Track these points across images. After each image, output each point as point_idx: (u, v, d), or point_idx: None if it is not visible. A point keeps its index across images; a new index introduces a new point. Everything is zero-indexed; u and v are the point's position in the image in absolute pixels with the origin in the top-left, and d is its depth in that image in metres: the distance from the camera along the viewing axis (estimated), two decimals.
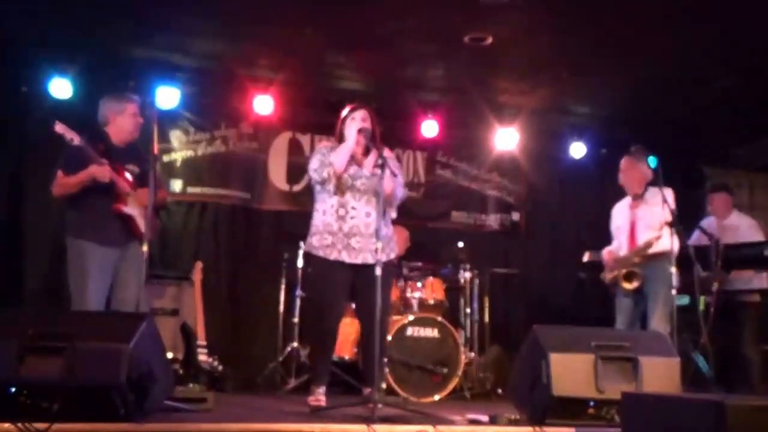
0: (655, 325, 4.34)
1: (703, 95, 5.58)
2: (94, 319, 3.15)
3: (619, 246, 4.74)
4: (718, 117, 5.97)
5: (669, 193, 4.43)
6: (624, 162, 4.72)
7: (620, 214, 4.78)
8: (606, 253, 4.78)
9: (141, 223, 3.88)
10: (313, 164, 3.83)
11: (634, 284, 4.47)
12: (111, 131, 4.06)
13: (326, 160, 3.77)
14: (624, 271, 4.51)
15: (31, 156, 5.49)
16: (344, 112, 3.90)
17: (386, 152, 3.79)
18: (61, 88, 5.33)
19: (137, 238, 3.86)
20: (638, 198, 4.65)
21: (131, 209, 3.91)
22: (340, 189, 3.75)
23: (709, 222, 5.21)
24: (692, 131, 6.24)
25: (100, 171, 3.78)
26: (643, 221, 4.56)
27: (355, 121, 3.82)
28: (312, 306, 3.88)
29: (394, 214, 4.01)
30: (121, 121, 4.04)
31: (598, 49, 4.97)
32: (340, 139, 3.87)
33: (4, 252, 5.29)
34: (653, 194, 4.57)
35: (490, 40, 4.86)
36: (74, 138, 3.71)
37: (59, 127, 3.70)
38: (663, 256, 4.43)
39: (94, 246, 3.84)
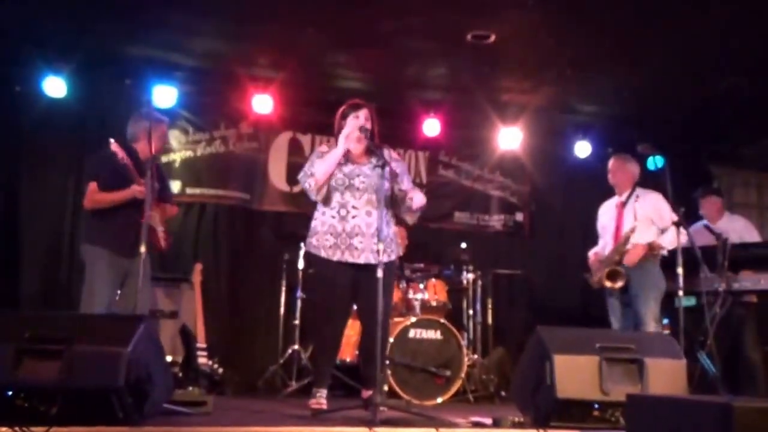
0: (645, 327, 4.36)
1: (710, 93, 5.58)
2: (92, 321, 3.17)
3: (604, 246, 4.81)
4: (725, 115, 5.97)
5: (659, 197, 4.47)
6: (613, 162, 4.80)
7: (607, 213, 4.83)
8: (591, 255, 4.83)
9: (160, 236, 4.18)
10: (301, 173, 3.86)
11: (618, 283, 4.49)
12: (139, 148, 4.20)
13: (310, 170, 3.78)
14: (607, 270, 4.53)
15: (25, 156, 5.51)
16: (346, 110, 3.88)
17: (393, 155, 3.82)
18: (55, 87, 5.34)
19: (155, 249, 4.13)
20: (626, 198, 4.69)
21: (153, 222, 4.09)
22: (327, 197, 3.76)
23: (696, 229, 5.18)
24: (699, 130, 6.25)
25: (141, 190, 3.94)
26: (629, 221, 4.59)
27: (358, 120, 3.82)
28: (315, 307, 3.88)
29: (411, 221, 4.01)
30: (151, 140, 4.12)
31: (602, 47, 4.97)
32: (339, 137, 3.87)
33: (0, 254, 5.31)
34: (643, 194, 4.63)
35: (492, 37, 4.87)
36: (124, 157, 3.87)
37: (114, 146, 3.84)
38: (646, 258, 4.46)
39: (110, 254, 4.01)
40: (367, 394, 3.74)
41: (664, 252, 4.53)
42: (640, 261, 4.51)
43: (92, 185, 4.06)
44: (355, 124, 3.79)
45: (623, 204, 4.71)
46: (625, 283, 4.50)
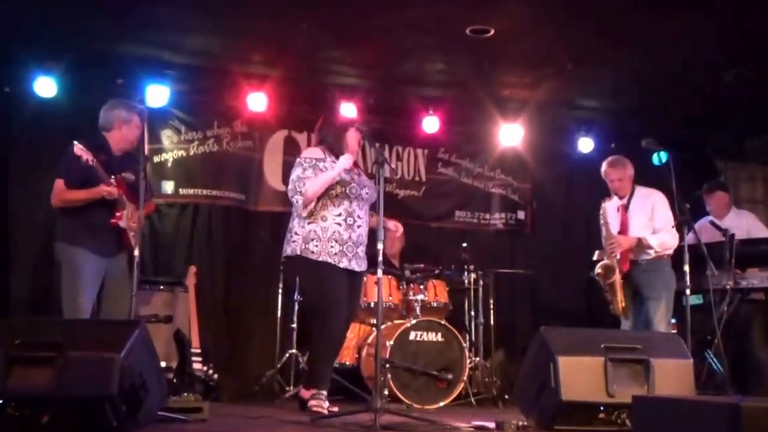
0: (656, 328, 4.35)
1: (715, 86, 5.57)
2: (84, 327, 3.16)
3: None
4: (730, 108, 5.96)
5: (658, 198, 4.46)
6: (611, 171, 4.66)
7: (610, 217, 4.74)
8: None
9: (131, 237, 4.03)
10: (290, 183, 3.87)
11: (609, 279, 4.46)
12: (112, 138, 4.13)
13: (301, 186, 3.77)
14: (604, 264, 4.49)
15: (15, 158, 5.50)
16: (342, 122, 4.01)
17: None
18: (45, 87, 5.33)
19: (126, 249, 4.02)
20: (627, 200, 4.65)
21: (125, 222, 4.01)
22: (314, 214, 3.82)
23: (702, 225, 5.16)
24: (704, 123, 6.24)
25: (109, 191, 3.88)
26: (636, 224, 4.55)
27: (357, 134, 3.92)
28: (319, 312, 3.86)
29: None
30: (125, 131, 4.10)
31: (604, 40, 4.97)
32: (337, 146, 3.90)
33: None
34: (645, 195, 4.59)
35: (492, 32, 4.86)
36: (89, 159, 3.78)
37: (77, 149, 3.76)
38: (655, 259, 4.45)
39: (87, 254, 3.94)
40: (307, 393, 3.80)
41: (669, 251, 4.49)
42: (652, 261, 4.47)
43: (59, 182, 3.99)
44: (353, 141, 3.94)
45: (626, 207, 4.66)
46: (637, 284, 4.49)
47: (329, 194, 3.82)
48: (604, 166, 4.75)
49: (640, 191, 4.65)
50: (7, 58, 5.26)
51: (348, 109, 5.72)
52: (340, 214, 3.82)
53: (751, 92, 5.62)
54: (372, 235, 3.80)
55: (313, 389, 3.79)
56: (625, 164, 4.69)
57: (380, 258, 3.43)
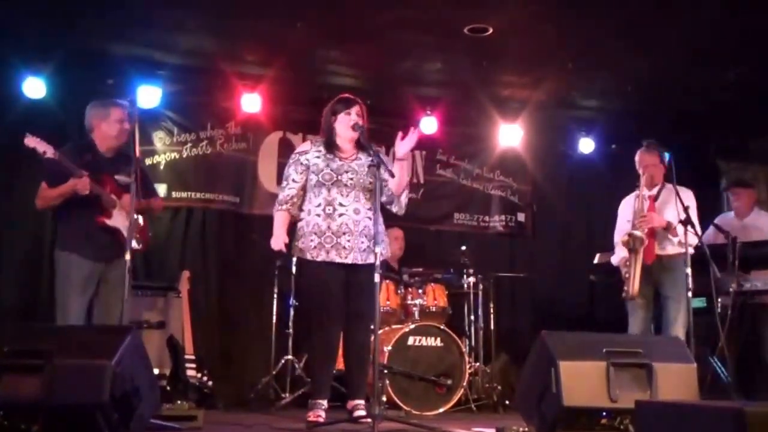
0: (674, 331, 4.33)
1: (717, 85, 5.59)
2: (74, 334, 3.14)
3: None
4: (733, 108, 5.98)
5: (687, 192, 4.45)
6: (647, 157, 4.60)
7: (631, 208, 4.72)
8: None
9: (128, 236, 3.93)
10: (280, 193, 3.93)
11: (639, 246, 4.40)
12: (96, 138, 4.11)
13: (282, 195, 3.85)
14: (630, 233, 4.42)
15: (2, 162, 5.49)
16: (336, 106, 3.90)
17: (377, 149, 3.83)
18: (34, 88, 5.32)
19: (124, 251, 3.88)
20: (657, 191, 4.63)
21: (116, 221, 3.96)
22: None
23: (725, 220, 5.19)
24: (706, 124, 6.25)
25: (81, 184, 3.80)
26: (665, 214, 4.53)
27: (350, 116, 3.84)
28: (309, 313, 3.86)
29: (399, 210, 3.99)
30: (105, 128, 4.06)
31: (604, 39, 4.98)
32: (327, 133, 3.86)
33: None
34: (670, 190, 4.57)
35: (491, 30, 4.87)
36: (47, 151, 3.72)
37: (29, 140, 3.69)
38: (679, 257, 4.44)
39: (78, 259, 3.91)
40: (353, 404, 3.74)
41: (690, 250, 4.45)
42: (673, 260, 4.45)
43: (42, 185, 3.98)
44: (345, 123, 3.81)
45: (654, 198, 4.62)
46: (657, 281, 4.47)
47: (310, 185, 3.81)
48: (637, 154, 4.67)
49: (670, 187, 4.62)
50: None
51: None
52: (319, 205, 3.76)
53: (755, 92, 5.64)
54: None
55: (312, 399, 3.77)
56: (659, 152, 4.60)
57: (377, 261, 3.41)
